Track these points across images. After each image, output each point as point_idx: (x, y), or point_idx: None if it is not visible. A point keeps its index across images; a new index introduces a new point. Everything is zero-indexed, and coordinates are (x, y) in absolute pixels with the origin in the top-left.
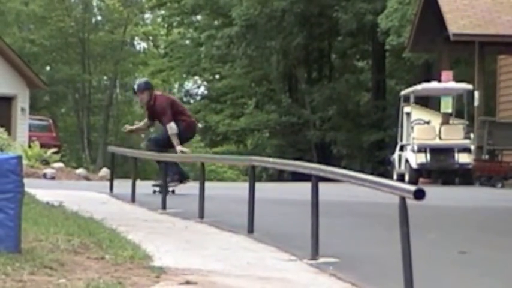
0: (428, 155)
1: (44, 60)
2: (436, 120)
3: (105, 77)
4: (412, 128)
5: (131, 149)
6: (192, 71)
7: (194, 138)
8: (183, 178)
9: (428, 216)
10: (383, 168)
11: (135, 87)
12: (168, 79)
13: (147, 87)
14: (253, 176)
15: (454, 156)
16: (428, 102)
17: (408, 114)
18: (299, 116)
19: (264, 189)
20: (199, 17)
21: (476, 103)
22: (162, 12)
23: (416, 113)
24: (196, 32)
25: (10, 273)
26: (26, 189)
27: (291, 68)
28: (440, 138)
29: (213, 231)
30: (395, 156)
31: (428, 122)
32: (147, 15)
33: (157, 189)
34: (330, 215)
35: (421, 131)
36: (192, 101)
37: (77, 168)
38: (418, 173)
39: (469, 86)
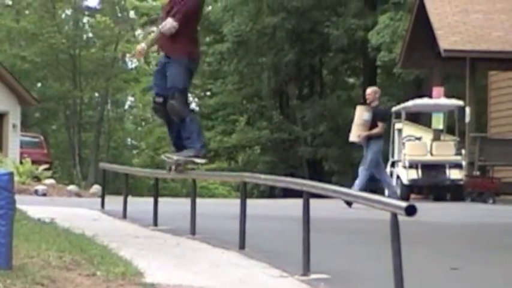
0: (420, 171)
1: (35, 77)
2: (427, 137)
3: (96, 94)
4: (403, 144)
5: (123, 165)
6: None
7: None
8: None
9: (419, 232)
10: (374, 184)
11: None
12: None
13: None
14: (245, 192)
15: (445, 172)
16: (419, 118)
17: (399, 130)
18: (290, 132)
19: (256, 205)
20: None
21: (467, 119)
22: (153, 29)
23: (408, 130)
24: None
25: None
26: (18, 205)
27: (282, 84)
28: (431, 154)
29: (205, 247)
30: (387, 171)
31: (419, 138)
32: (138, 32)
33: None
34: (321, 232)
35: (412, 147)
36: None
37: (68, 184)
38: (410, 189)
39: (460, 102)
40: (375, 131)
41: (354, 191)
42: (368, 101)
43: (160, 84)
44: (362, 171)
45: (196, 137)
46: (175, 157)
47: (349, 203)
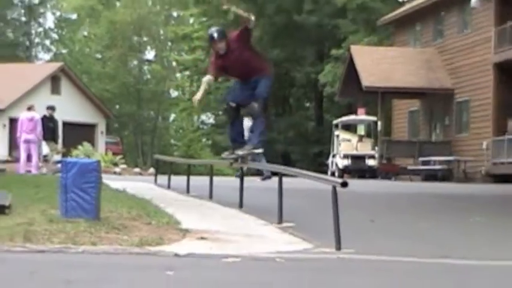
0: (350, 160)
1: (114, 102)
2: (354, 139)
3: (152, 112)
4: (340, 143)
5: (168, 156)
6: (205, 108)
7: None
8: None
9: (350, 198)
10: (322, 168)
11: (215, 34)
12: (191, 114)
13: (225, 34)
14: (242, 173)
15: (365, 161)
16: (349, 128)
17: (337, 135)
18: (271, 136)
19: (250, 181)
20: None
21: (379, 128)
22: (187, 73)
23: (342, 135)
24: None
25: (93, 232)
26: (103, 181)
27: (266, 106)
28: (356, 150)
29: (217, 206)
30: (329, 161)
31: (349, 140)
32: (178, 75)
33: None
34: (289, 197)
35: (345, 145)
36: (205, 127)
37: (134, 168)
38: (343, 171)
39: (375, 118)
40: None
41: None
42: None
43: (239, 95)
44: None
45: (258, 134)
46: (240, 152)
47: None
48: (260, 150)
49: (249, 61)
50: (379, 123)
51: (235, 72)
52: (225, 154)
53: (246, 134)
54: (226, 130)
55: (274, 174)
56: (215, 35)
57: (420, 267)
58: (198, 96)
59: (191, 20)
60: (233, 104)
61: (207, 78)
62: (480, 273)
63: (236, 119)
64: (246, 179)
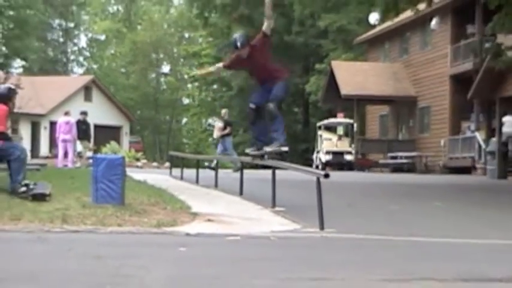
0: (331, 156)
1: (136, 108)
2: (334, 138)
3: (167, 117)
4: (322, 142)
5: (180, 152)
6: (211, 113)
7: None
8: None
9: (331, 186)
10: (308, 162)
11: (238, 43)
12: (200, 117)
13: (247, 41)
14: (242, 167)
15: (344, 157)
16: (331, 129)
17: (320, 135)
18: None
19: (248, 173)
20: (215, 86)
21: (355, 129)
22: (196, 84)
23: (325, 134)
24: (213, 94)
25: (119, 215)
26: (127, 173)
27: None
28: (337, 147)
29: (222, 194)
30: (314, 156)
31: (331, 139)
32: (189, 85)
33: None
34: (281, 187)
35: (327, 143)
36: (211, 129)
37: (153, 162)
38: (326, 165)
39: (351, 121)
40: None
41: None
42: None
43: (258, 97)
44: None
45: (282, 132)
46: (268, 149)
47: (213, 168)
48: (286, 148)
49: (266, 66)
50: (355, 125)
51: (254, 74)
52: (250, 150)
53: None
54: (250, 130)
55: (269, 167)
56: (238, 43)
57: (390, 244)
58: (202, 71)
59: (200, 40)
60: (253, 106)
61: (219, 64)
62: (440, 248)
63: (257, 119)
64: (245, 171)
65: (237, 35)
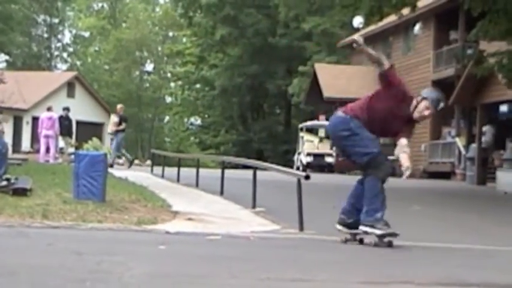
0: (312, 158)
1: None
2: (316, 140)
3: (150, 114)
4: (304, 143)
5: (162, 151)
6: (194, 112)
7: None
8: None
9: (311, 188)
10: (289, 164)
11: (440, 106)
12: (182, 117)
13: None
14: (223, 166)
15: (325, 159)
16: (312, 131)
17: (302, 137)
18: (247, 136)
19: (229, 173)
20: (198, 85)
21: None
22: (179, 83)
23: (306, 136)
24: (196, 93)
25: (100, 212)
26: (108, 170)
27: (244, 111)
28: (318, 149)
29: (203, 193)
30: (295, 158)
31: (312, 141)
32: (172, 84)
33: None
34: (262, 186)
35: (308, 145)
36: (193, 128)
37: (135, 160)
38: (306, 167)
39: None
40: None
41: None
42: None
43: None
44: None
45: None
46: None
47: (111, 165)
48: None
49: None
50: None
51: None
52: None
53: None
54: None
55: (250, 168)
56: (440, 106)
57: (369, 247)
58: (367, 49)
59: (184, 39)
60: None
61: (385, 60)
62: (419, 251)
63: None
64: (226, 171)
65: (441, 96)
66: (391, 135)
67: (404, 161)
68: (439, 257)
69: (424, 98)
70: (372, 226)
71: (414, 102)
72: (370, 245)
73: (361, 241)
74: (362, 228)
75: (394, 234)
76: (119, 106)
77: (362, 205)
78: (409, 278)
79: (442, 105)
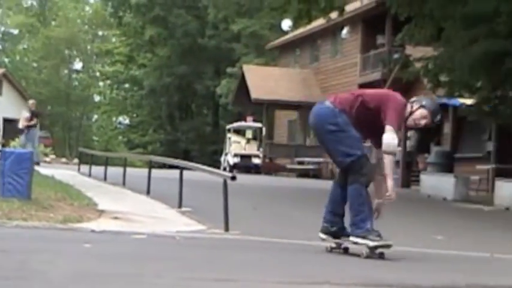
0: (239, 158)
1: (47, 103)
2: (243, 141)
3: (78, 113)
4: (231, 144)
5: (90, 149)
6: (122, 111)
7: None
8: None
9: (237, 189)
10: (216, 164)
11: (437, 119)
12: (110, 116)
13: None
14: (150, 166)
15: (252, 160)
16: (240, 132)
17: (229, 138)
18: (175, 136)
19: (156, 173)
20: (126, 85)
21: (263, 133)
22: (108, 82)
23: (234, 137)
24: (124, 93)
25: (25, 210)
26: (35, 168)
27: (172, 111)
28: (245, 150)
29: (130, 192)
30: (222, 158)
31: (239, 142)
32: (101, 83)
33: None
34: (188, 186)
35: (236, 146)
36: (121, 127)
37: (61, 158)
38: (233, 167)
39: (260, 125)
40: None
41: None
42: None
43: None
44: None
45: None
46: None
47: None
48: None
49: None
50: (263, 129)
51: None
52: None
53: None
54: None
55: (177, 167)
56: (437, 119)
57: (290, 247)
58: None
59: (113, 39)
60: None
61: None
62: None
63: None
64: (154, 170)
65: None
66: (374, 139)
67: (391, 190)
68: (357, 259)
69: (422, 106)
70: (364, 237)
71: (408, 108)
72: (362, 256)
73: (345, 250)
74: (352, 239)
75: (388, 246)
76: (30, 101)
77: (343, 209)
78: (328, 278)
79: (439, 118)
